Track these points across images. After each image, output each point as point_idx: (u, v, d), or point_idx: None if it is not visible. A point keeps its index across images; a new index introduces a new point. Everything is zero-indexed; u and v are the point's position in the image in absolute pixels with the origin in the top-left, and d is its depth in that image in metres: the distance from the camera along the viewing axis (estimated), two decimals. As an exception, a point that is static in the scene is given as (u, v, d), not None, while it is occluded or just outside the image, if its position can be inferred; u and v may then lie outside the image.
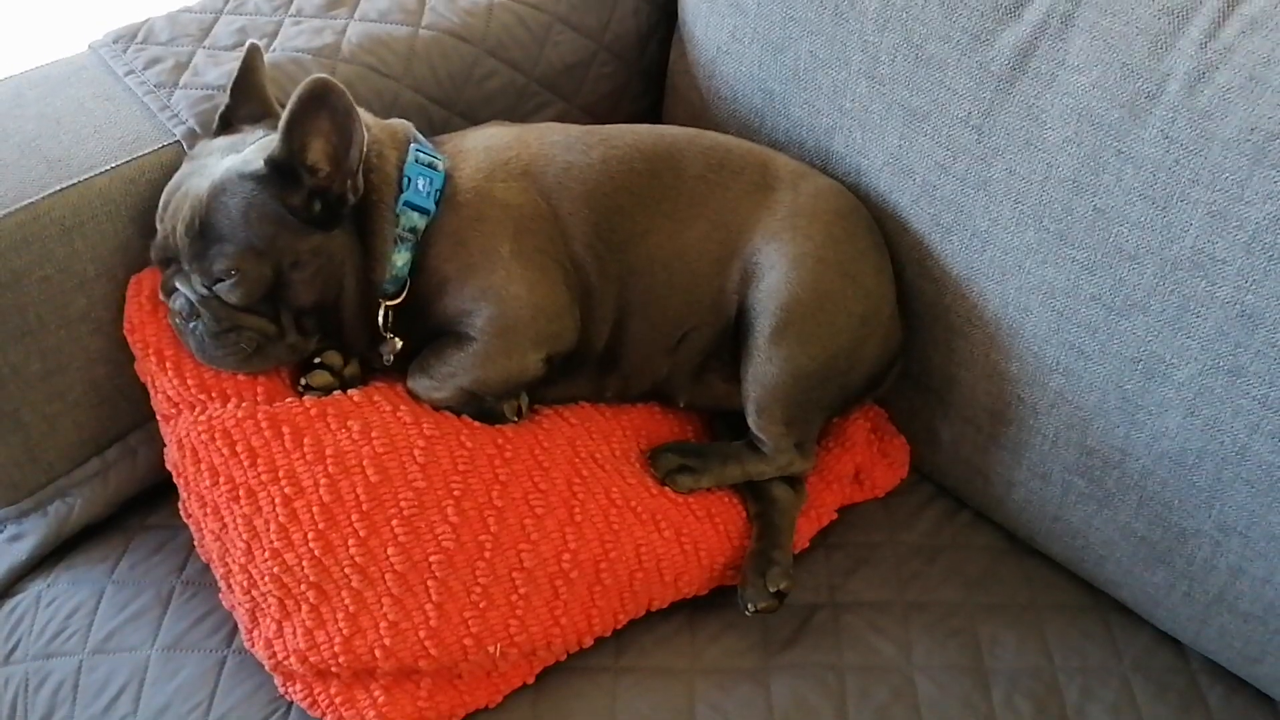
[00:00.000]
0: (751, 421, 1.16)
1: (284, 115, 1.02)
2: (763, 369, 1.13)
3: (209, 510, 1.08)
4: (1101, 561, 1.19)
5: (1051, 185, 1.07)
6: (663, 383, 1.20)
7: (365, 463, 1.06)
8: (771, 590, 1.11)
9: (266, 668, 1.06)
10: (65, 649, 1.15)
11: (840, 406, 1.21)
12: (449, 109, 1.30)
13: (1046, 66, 1.06)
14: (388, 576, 1.04)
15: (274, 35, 1.24)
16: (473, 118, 1.31)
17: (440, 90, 1.29)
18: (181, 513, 1.12)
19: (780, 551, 1.14)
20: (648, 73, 1.47)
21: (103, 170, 1.12)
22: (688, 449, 1.19)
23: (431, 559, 1.05)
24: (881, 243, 1.21)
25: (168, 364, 1.11)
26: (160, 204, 1.08)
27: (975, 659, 1.15)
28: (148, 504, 1.25)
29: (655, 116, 1.49)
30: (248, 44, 1.12)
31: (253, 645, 1.07)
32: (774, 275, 1.13)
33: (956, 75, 1.11)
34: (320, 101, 1.01)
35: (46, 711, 1.13)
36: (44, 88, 1.19)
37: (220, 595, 1.10)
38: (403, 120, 1.17)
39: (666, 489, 1.16)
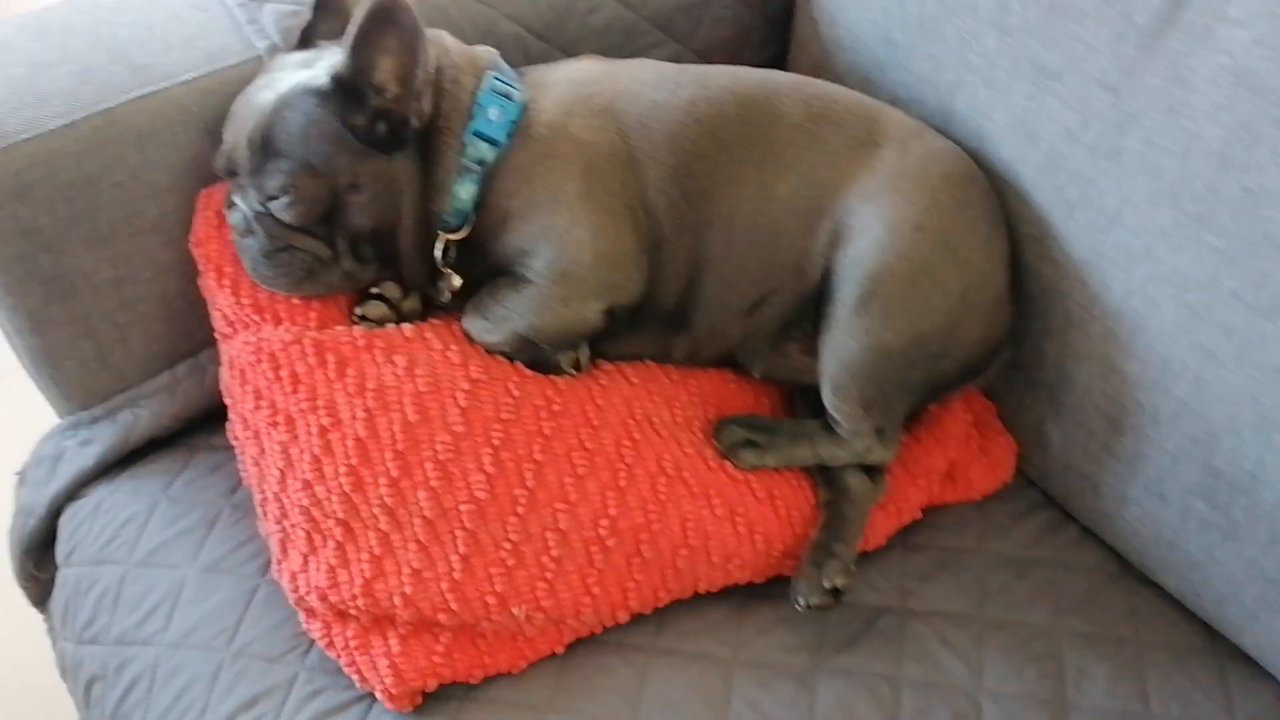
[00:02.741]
0: (827, 399, 1.05)
1: (349, 31, 0.98)
2: (842, 342, 1.02)
3: (250, 434, 1.06)
4: (1222, 601, 1.04)
5: (1194, 159, 0.92)
6: (736, 348, 1.11)
7: (406, 400, 1.01)
8: (827, 586, 1.01)
9: (290, 601, 1.03)
10: (115, 557, 1.15)
11: (929, 393, 1.09)
12: (548, 43, 1.23)
13: (1201, 19, 0.91)
14: (416, 521, 0.99)
15: (373, -46, 1.20)
16: (574, 55, 1.23)
17: (540, 22, 1.22)
18: (228, 435, 1.10)
19: (843, 545, 1.04)
20: (773, 19, 1.36)
21: (182, 80, 1.10)
22: (757, 423, 1.09)
23: (462, 508, 0.99)
24: (998, 216, 1.08)
25: (226, 282, 1.09)
26: (229, 113, 1.05)
27: (1057, 691, 1.02)
28: (214, 423, 1.24)
29: (779, 67, 1.38)
30: (335, -42, 1.08)
31: (279, 576, 1.04)
32: (865, 240, 1.02)
33: (1095, 27, 0.97)
34: (386, 17, 0.96)
35: (90, 616, 1.13)
36: (145, -3, 1.19)
37: (258, 522, 1.07)
38: (489, 48, 1.10)
39: (727, 463, 1.07)
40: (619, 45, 1.27)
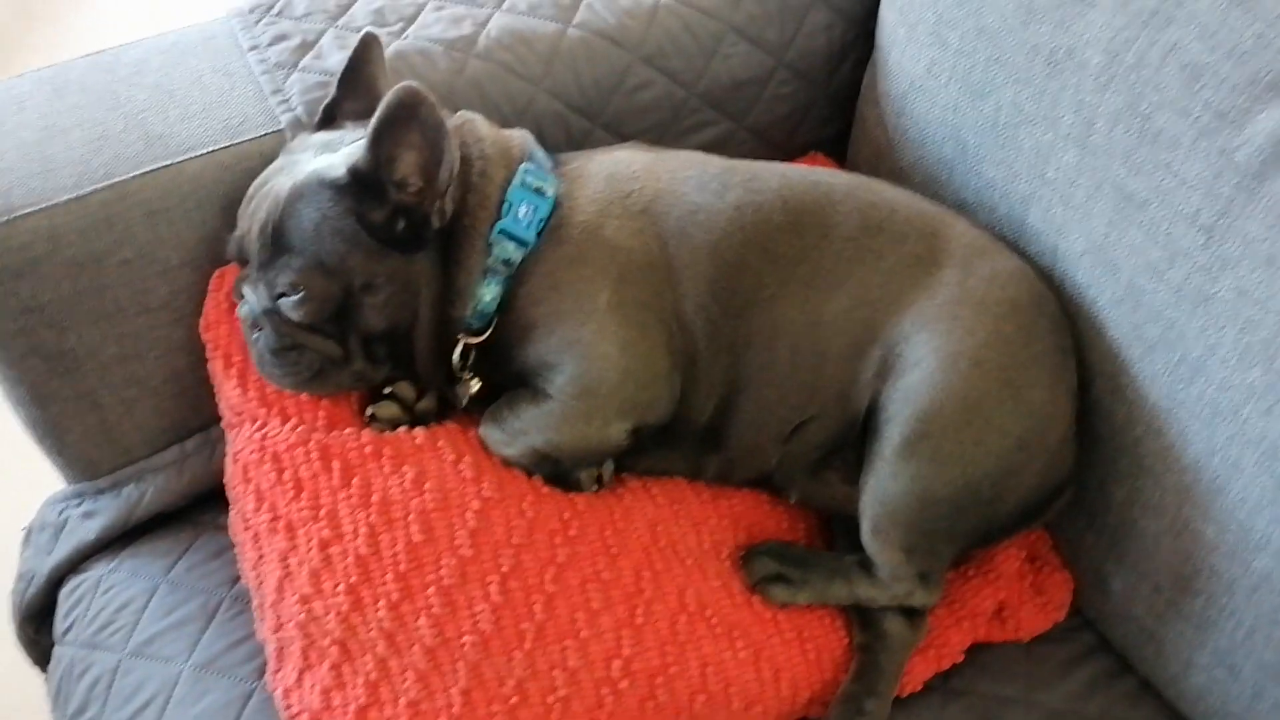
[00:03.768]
0: (866, 541, 0.97)
1: (371, 124, 0.91)
2: (884, 485, 0.94)
3: (250, 536, 1.00)
4: (1292, 790, 0.94)
5: (1294, 320, 0.82)
6: (772, 472, 1.02)
7: (412, 517, 0.94)
8: (854, 749, 0.93)
9: (281, 718, 0.97)
10: (109, 644, 1.09)
11: (980, 539, 1.00)
12: (591, 120, 1.16)
13: (1312, 165, 0.81)
14: (415, 649, 0.92)
15: (411, 21, 1.13)
16: (619, 132, 1.16)
17: (583, 98, 1.14)
18: (229, 530, 1.04)
19: (876, 701, 0.96)
20: (836, 98, 1.27)
21: (198, 154, 1.04)
22: (790, 555, 1.01)
23: (465, 639, 0.92)
24: (1068, 346, 0.99)
25: (233, 371, 1.03)
26: (245, 197, 0.99)
27: None
28: (222, 501, 1.17)
29: (840, 146, 1.29)
30: (363, 32, 1.01)
31: (273, 688, 0.98)
32: (917, 374, 0.93)
33: (1189, 160, 0.87)
34: (409, 112, 0.89)
35: (81, 705, 1.08)
36: (169, 56, 1.13)
37: (255, 625, 1.02)
38: (522, 132, 1.03)
39: (755, 598, 0.99)
40: (666, 123, 1.19)
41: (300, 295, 0.93)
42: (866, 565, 0.99)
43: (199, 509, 1.18)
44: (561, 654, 0.93)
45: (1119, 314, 0.96)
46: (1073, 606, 1.10)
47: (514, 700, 0.92)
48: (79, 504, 1.17)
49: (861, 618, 1.01)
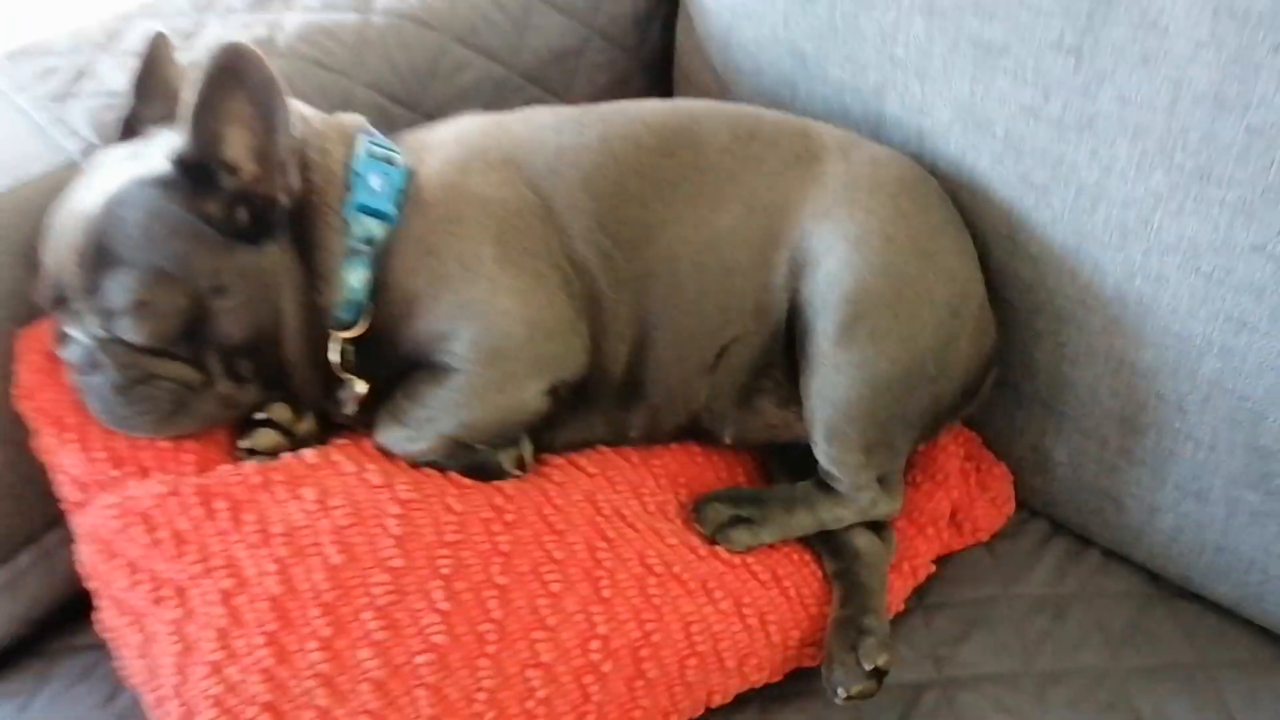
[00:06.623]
0: (820, 452, 0.91)
1: (190, 99, 0.80)
2: (830, 380, 0.88)
3: (129, 621, 0.83)
4: (1287, 599, 0.92)
5: (1183, 108, 0.83)
6: (702, 412, 0.95)
7: (325, 540, 0.81)
8: (867, 668, 0.85)
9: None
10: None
11: (931, 424, 0.96)
12: (413, 109, 1.08)
13: (1161, -44, 0.83)
14: (363, 688, 0.79)
15: (191, 35, 1.02)
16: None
17: (402, 86, 1.07)
18: (98, 626, 0.87)
19: (873, 617, 0.89)
20: (652, 66, 1.25)
21: (-25, 201, 0.89)
22: (741, 496, 0.94)
23: (419, 660, 0.80)
24: (958, 218, 0.97)
25: (70, 435, 0.87)
26: (44, 231, 0.85)
27: (1142, 739, 0.88)
28: (75, 618, 0.99)
29: (664, 115, 1.26)
30: (154, 32, 0.90)
31: (194, 796, 0.81)
32: (832, 260, 0.89)
33: (1041, -12, 0.88)
34: (234, 76, 0.79)
35: None
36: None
37: (155, 732, 0.84)
38: (352, 113, 0.94)
39: (718, 549, 0.90)
40: (491, 105, 1.11)
41: (140, 312, 0.80)
42: (824, 485, 0.93)
43: (45, 636, 0.99)
44: (531, 649, 0.82)
45: (1003, 170, 0.95)
46: (1017, 501, 1.07)
47: (490, 716, 0.80)
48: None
49: (830, 546, 0.94)
